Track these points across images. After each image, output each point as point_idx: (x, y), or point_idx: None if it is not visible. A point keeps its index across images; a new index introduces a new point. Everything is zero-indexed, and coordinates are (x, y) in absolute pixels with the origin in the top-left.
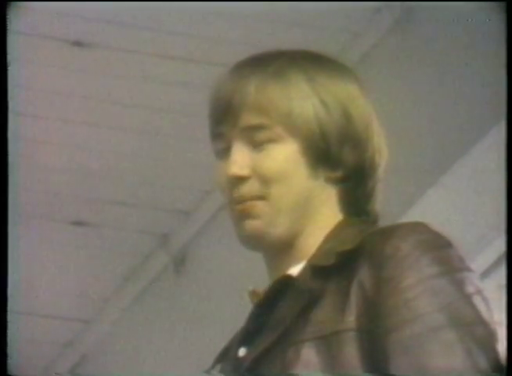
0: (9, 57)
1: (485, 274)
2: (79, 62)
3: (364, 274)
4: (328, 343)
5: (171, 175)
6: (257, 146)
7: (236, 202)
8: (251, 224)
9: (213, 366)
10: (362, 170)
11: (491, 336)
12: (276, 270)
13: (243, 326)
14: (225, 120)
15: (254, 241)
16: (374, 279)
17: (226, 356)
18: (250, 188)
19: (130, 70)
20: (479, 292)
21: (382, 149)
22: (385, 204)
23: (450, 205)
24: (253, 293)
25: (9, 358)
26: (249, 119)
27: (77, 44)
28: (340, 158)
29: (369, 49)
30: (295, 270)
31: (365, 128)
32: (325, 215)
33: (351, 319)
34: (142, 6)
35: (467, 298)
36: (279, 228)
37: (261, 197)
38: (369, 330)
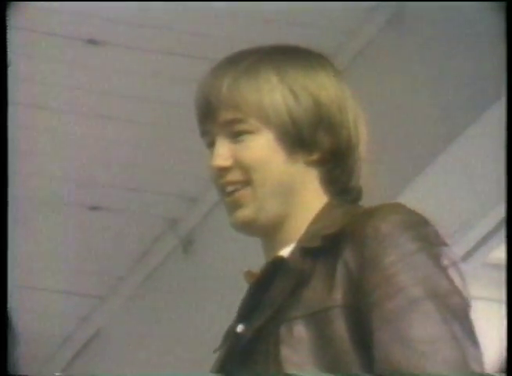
0: (29, 55)
1: (470, 253)
2: (93, 59)
3: (348, 254)
4: (317, 319)
5: (180, 164)
6: (236, 138)
7: (225, 193)
8: (241, 213)
9: (221, 346)
10: (338, 151)
11: (465, 304)
12: (270, 251)
13: (240, 304)
14: (207, 118)
15: (247, 228)
16: (358, 258)
17: (226, 335)
18: (234, 176)
19: (140, 66)
20: (454, 264)
21: (359, 129)
22: (384, 184)
23: (443, 184)
24: (248, 274)
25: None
26: (225, 114)
27: (91, 42)
28: (315, 142)
29: (364, 47)
30: (286, 251)
31: (338, 112)
32: (310, 197)
33: (337, 296)
34: (151, 7)
35: (443, 271)
36: (267, 212)
37: (245, 183)
38: (355, 306)
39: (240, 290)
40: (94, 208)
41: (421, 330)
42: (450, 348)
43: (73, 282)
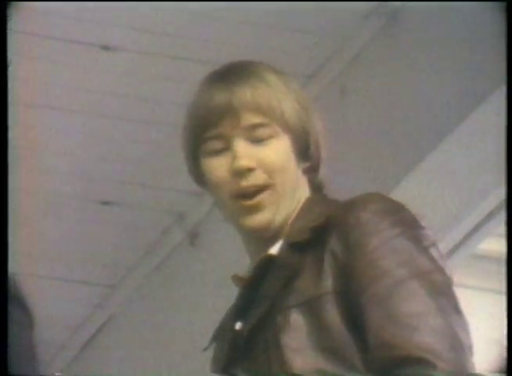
0: (46, 60)
1: (459, 244)
2: (107, 63)
3: (334, 243)
4: (311, 307)
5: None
6: (258, 141)
7: (244, 195)
8: (261, 216)
9: (210, 345)
10: (319, 161)
11: (447, 280)
12: (258, 251)
13: (234, 304)
14: (225, 122)
15: (262, 231)
16: (343, 246)
17: (221, 333)
18: (258, 178)
19: (150, 70)
20: (434, 244)
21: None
22: (378, 180)
23: (437, 178)
24: (235, 277)
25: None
26: (250, 119)
27: (105, 48)
28: (311, 151)
29: (359, 51)
30: (274, 249)
31: (318, 125)
32: (302, 200)
33: (327, 283)
34: (161, 14)
35: (424, 251)
36: (281, 215)
37: (267, 186)
38: (344, 291)
39: None
40: (105, 203)
41: (409, 307)
42: (437, 320)
43: (87, 272)
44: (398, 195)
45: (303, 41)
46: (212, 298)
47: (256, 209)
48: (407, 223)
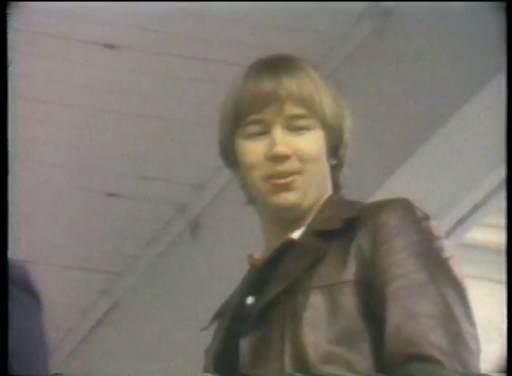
0: (52, 58)
1: (447, 234)
2: (110, 61)
3: (362, 237)
4: (332, 291)
5: (188, 154)
6: (296, 131)
7: (277, 176)
8: (290, 196)
9: (210, 325)
10: (344, 160)
11: (462, 290)
12: (276, 235)
13: (244, 283)
14: (269, 109)
15: (290, 211)
16: (370, 242)
17: (224, 311)
18: (292, 165)
19: (152, 67)
20: (452, 257)
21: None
22: (383, 161)
23: (439, 160)
24: (250, 257)
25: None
26: (292, 109)
27: (109, 46)
28: (341, 150)
29: (354, 50)
30: (296, 235)
31: (350, 125)
32: (326, 195)
33: (351, 272)
34: (163, 13)
35: (445, 262)
36: (308, 200)
37: (299, 172)
38: (366, 283)
39: (241, 269)
40: (111, 195)
41: (427, 308)
42: (452, 325)
43: (93, 260)
44: (389, 188)
45: (299, 39)
46: (212, 285)
47: (287, 188)
48: (431, 232)
